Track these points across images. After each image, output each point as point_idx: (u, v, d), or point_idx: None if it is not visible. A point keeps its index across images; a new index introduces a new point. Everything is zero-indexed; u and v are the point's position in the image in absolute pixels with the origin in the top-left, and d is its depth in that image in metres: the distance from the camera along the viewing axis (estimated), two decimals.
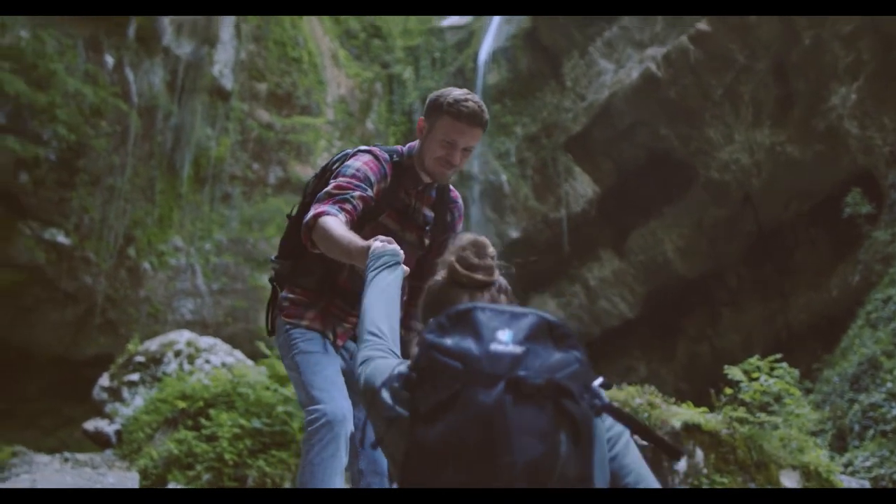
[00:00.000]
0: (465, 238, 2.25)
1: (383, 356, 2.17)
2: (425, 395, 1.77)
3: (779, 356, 7.86)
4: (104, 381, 10.55)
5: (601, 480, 1.89)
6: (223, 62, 17.12)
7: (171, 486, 7.84)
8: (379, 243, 2.83)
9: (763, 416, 7.35)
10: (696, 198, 17.16)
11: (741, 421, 7.31)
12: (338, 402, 3.37)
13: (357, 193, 3.38)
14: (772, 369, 7.70)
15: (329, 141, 18.63)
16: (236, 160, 17.35)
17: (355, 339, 3.39)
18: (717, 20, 15.51)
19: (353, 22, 20.71)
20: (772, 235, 17.03)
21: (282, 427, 8.60)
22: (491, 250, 2.24)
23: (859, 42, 14.90)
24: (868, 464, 9.79)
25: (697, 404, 7.94)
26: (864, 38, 14.84)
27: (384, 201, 3.54)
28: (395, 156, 3.62)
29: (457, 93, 3.44)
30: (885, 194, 14.91)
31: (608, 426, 2.03)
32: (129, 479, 7.50)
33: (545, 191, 18.01)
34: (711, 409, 7.94)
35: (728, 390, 7.72)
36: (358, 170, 3.46)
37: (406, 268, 2.73)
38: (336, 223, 3.19)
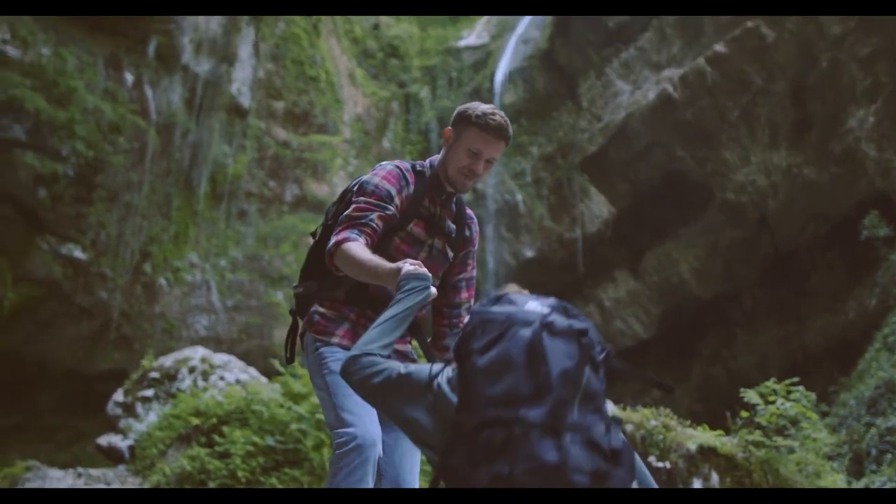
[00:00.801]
0: (510, 287, 2.86)
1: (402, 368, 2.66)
2: (477, 339, 2.37)
3: (795, 379, 7.81)
4: (118, 396, 10.56)
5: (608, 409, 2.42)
6: (241, 80, 17.23)
7: None
8: (410, 266, 3.01)
9: (779, 440, 7.30)
10: (711, 219, 17.11)
11: (757, 444, 7.26)
12: (368, 427, 3.33)
13: (376, 214, 3.43)
14: (788, 392, 7.66)
15: (345, 159, 18.71)
16: (253, 177, 17.43)
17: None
18: (734, 42, 15.51)
19: (370, 41, 20.84)
20: (788, 257, 16.93)
21: (295, 445, 8.59)
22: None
23: (877, 65, 14.86)
24: (886, 489, 9.68)
25: (712, 426, 7.90)
26: (881, 60, 14.81)
27: (410, 210, 3.57)
28: (417, 166, 3.69)
29: (484, 107, 3.54)
30: None
31: None
32: None
33: (560, 211, 18.00)
34: (727, 432, 7.89)
35: (744, 413, 7.67)
36: (377, 186, 3.51)
37: (434, 290, 3.01)
38: (358, 248, 3.30)
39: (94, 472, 8.83)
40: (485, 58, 19.91)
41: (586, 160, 17.73)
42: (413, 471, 3.67)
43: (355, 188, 3.62)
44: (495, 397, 2.27)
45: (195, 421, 9.07)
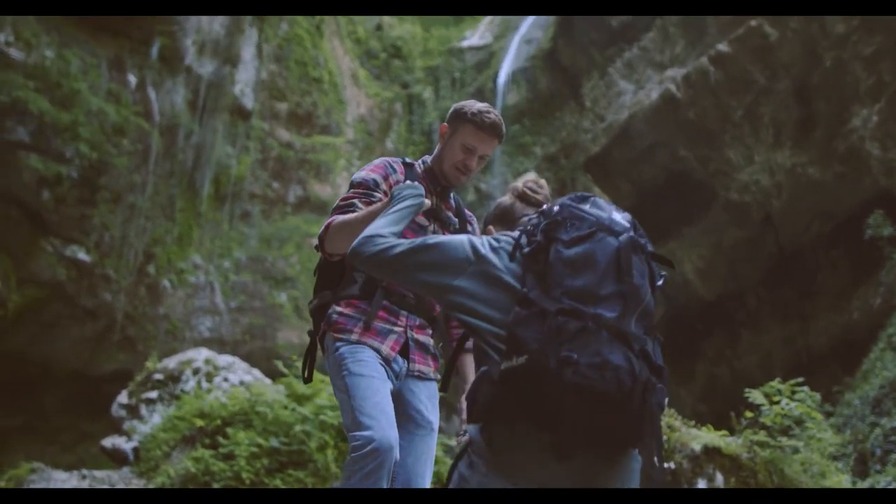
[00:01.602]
0: (528, 175, 3.28)
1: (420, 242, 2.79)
2: (566, 230, 2.57)
3: (800, 380, 7.79)
4: (122, 398, 10.57)
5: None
6: (244, 82, 17.25)
7: None
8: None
9: (784, 440, 7.28)
10: (715, 219, 17.08)
11: (762, 445, 7.24)
12: (386, 431, 3.32)
13: (361, 201, 3.56)
14: (793, 393, 7.64)
15: (348, 160, 18.72)
16: (256, 179, 17.45)
17: (403, 350, 3.59)
18: (737, 42, 15.49)
19: (373, 42, 20.85)
20: (792, 257, 16.90)
21: (299, 446, 8.59)
22: (545, 184, 3.18)
23: (881, 64, 14.83)
24: (890, 489, 9.66)
25: (716, 426, 7.87)
26: (885, 59, 14.77)
27: None
28: (406, 160, 3.84)
29: (479, 105, 3.68)
30: None
31: None
32: None
33: None
34: (731, 432, 7.87)
35: (749, 413, 7.65)
36: (363, 179, 3.65)
37: (427, 202, 3.22)
38: (342, 217, 3.47)
39: (98, 473, 8.85)
40: (488, 58, 19.91)
41: (590, 160, 17.72)
42: (426, 475, 3.67)
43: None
44: (574, 289, 2.45)
45: (199, 422, 9.08)
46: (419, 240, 2.76)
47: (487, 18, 20.89)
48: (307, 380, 3.85)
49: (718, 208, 16.98)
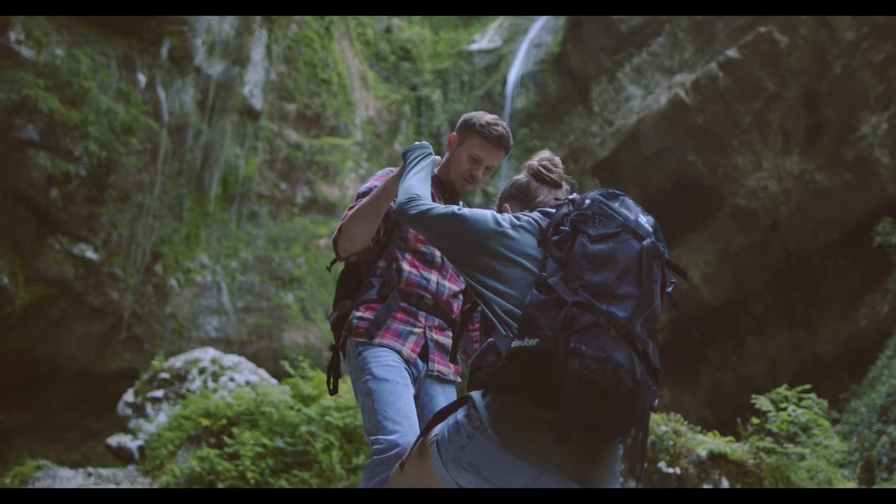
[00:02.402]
0: (543, 153, 3.36)
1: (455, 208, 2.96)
2: (594, 225, 2.70)
3: (807, 386, 7.78)
4: (128, 396, 10.60)
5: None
6: (253, 82, 17.29)
7: None
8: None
9: (790, 447, 7.26)
10: (722, 225, 17.05)
11: (768, 451, 7.22)
12: (409, 437, 3.33)
13: None
14: (800, 399, 7.62)
15: (357, 162, 18.73)
16: (264, 179, 17.48)
17: (423, 353, 3.64)
18: (746, 48, 15.47)
19: (382, 44, 20.87)
20: (799, 264, 16.87)
21: (304, 447, 8.60)
22: (560, 162, 3.33)
23: (890, 71, 14.80)
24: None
25: (721, 432, 7.86)
26: (895, 67, 14.75)
27: None
28: None
29: (488, 117, 3.77)
30: None
31: None
32: None
33: None
34: (737, 438, 7.85)
35: (755, 420, 7.64)
36: (368, 188, 3.72)
37: (438, 157, 3.45)
38: (350, 210, 3.62)
39: (103, 471, 8.86)
40: (496, 61, 19.92)
41: (597, 165, 17.70)
42: None
43: None
44: (592, 284, 2.59)
45: (205, 422, 9.11)
46: (451, 209, 2.93)
47: (496, 22, 20.90)
48: (333, 391, 3.84)
49: (726, 214, 16.94)
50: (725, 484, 7.11)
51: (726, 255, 17.28)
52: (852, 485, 7.59)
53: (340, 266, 3.91)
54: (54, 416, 15.94)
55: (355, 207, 3.60)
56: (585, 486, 2.63)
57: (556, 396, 2.47)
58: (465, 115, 3.83)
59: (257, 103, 17.37)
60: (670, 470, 7.39)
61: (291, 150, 17.89)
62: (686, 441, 7.48)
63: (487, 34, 20.91)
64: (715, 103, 16.07)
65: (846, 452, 9.13)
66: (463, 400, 2.79)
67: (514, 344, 2.55)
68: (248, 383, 10.36)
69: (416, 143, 3.47)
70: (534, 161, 3.33)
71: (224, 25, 16.63)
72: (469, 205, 4.05)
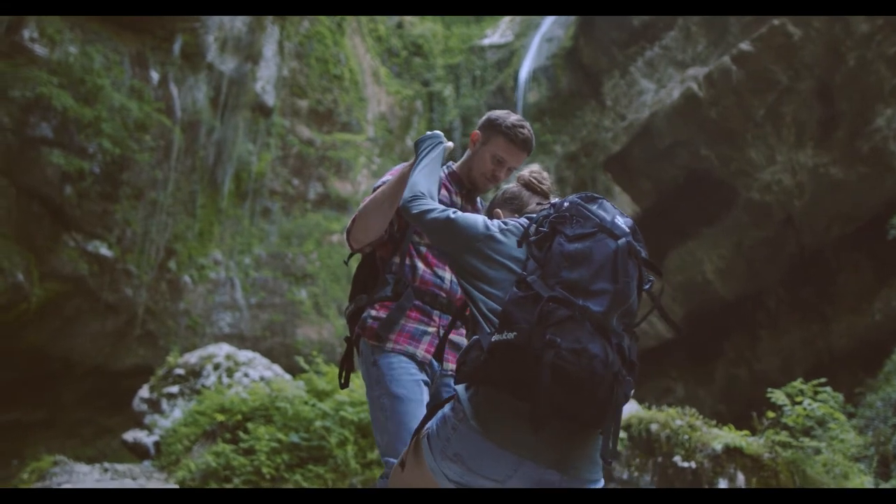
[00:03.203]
0: (533, 166, 3.54)
1: (453, 211, 3.09)
2: (571, 226, 2.84)
3: (823, 380, 7.75)
4: (144, 392, 10.64)
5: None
6: (266, 79, 17.31)
7: None
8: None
9: (806, 441, 7.24)
10: (736, 219, 16.99)
11: (784, 445, 7.21)
12: None
13: None
14: (815, 393, 7.60)
15: (369, 158, 18.74)
16: (276, 175, 17.50)
17: (437, 353, 3.64)
18: (759, 41, 15.40)
19: (394, 40, 20.86)
20: (813, 258, 16.79)
21: (319, 442, 8.62)
22: (548, 176, 3.53)
23: None
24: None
25: (736, 427, 7.85)
26: None
27: None
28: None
29: (514, 118, 3.78)
30: None
31: None
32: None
33: None
34: (753, 432, 7.84)
35: (770, 414, 7.62)
36: (381, 183, 3.73)
37: (450, 144, 3.51)
38: (363, 203, 3.66)
39: (119, 467, 8.92)
40: (508, 56, 19.89)
41: (610, 159, 17.66)
42: None
43: None
44: (568, 281, 2.74)
45: (220, 417, 9.14)
46: (447, 213, 3.05)
47: (508, 17, 20.86)
48: (344, 385, 3.85)
49: (739, 208, 16.88)
50: (741, 478, 7.11)
51: (740, 250, 17.22)
52: (868, 479, 7.57)
53: (356, 260, 3.92)
54: (69, 412, 16.03)
55: (361, 208, 3.63)
56: (564, 473, 2.74)
57: (533, 386, 2.59)
58: (491, 114, 3.84)
59: (269, 99, 17.39)
60: (686, 464, 7.38)
61: (304, 146, 17.91)
62: (701, 435, 7.48)
63: (499, 29, 20.88)
64: (728, 97, 16.00)
65: (862, 447, 9.09)
66: (452, 396, 2.91)
67: (494, 338, 2.70)
68: (262, 379, 10.40)
69: (428, 132, 3.55)
70: (525, 172, 3.51)
71: (236, 22, 16.65)
72: (484, 199, 4.08)
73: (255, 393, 9.49)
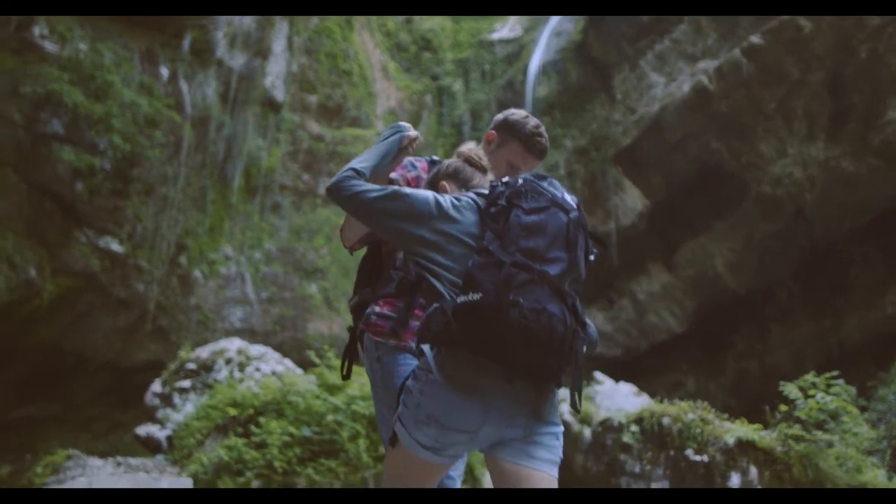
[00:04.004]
0: (469, 144, 3.72)
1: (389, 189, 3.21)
2: (526, 200, 3.09)
3: (835, 373, 7.73)
4: (156, 387, 10.68)
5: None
6: (275, 74, 17.31)
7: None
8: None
9: (819, 434, 7.23)
10: (747, 212, 16.94)
11: (796, 438, 7.19)
12: None
13: None
14: (828, 386, 7.58)
15: None
16: (286, 171, 17.52)
17: None
18: (770, 34, 15.34)
19: (403, 35, 20.85)
20: (825, 251, 16.74)
21: (331, 436, 8.64)
22: (483, 155, 3.68)
23: None
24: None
25: (748, 421, 7.83)
26: None
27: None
28: (433, 158, 3.97)
29: (531, 124, 3.85)
30: None
31: None
32: (182, 483, 7.58)
33: (594, 204, 17.92)
34: (764, 425, 7.83)
35: (783, 407, 7.60)
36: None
37: (413, 133, 3.66)
38: None
39: (132, 461, 8.94)
40: (518, 50, 19.85)
41: (620, 153, 17.62)
42: (458, 467, 3.68)
43: None
44: (526, 249, 2.99)
45: (232, 411, 9.16)
46: (391, 188, 3.17)
47: None
48: (346, 377, 3.86)
49: (750, 201, 16.83)
50: (754, 471, 7.10)
51: (750, 243, 17.18)
52: (882, 472, 7.55)
53: (363, 251, 3.94)
54: (82, 407, 16.09)
55: None
56: (529, 418, 3.02)
57: (498, 343, 2.83)
58: (509, 116, 3.88)
59: (279, 95, 17.40)
60: (698, 458, 7.38)
61: (313, 141, 17.92)
62: (714, 429, 7.47)
63: (508, 23, 20.84)
64: (738, 90, 15.95)
65: (874, 440, 9.07)
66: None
67: (460, 300, 2.93)
68: (274, 373, 10.42)
69: (391, 125, 3.69)
70: (464, 149, 3.69)
71: (245, 18, 16.66)
72: None
73: (267, 387, 9.52)
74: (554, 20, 19.49)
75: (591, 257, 3.23)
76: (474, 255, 3.01)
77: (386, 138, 3.59)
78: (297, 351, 14.99)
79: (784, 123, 15.96)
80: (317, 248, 17.22)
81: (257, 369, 10.50)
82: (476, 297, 2.89)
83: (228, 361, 10.62)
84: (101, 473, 7.97)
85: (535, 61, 18.96)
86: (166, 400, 10.36)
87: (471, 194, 3.28)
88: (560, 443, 3.13)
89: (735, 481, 7.08)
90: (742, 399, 16.75)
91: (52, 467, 8.45)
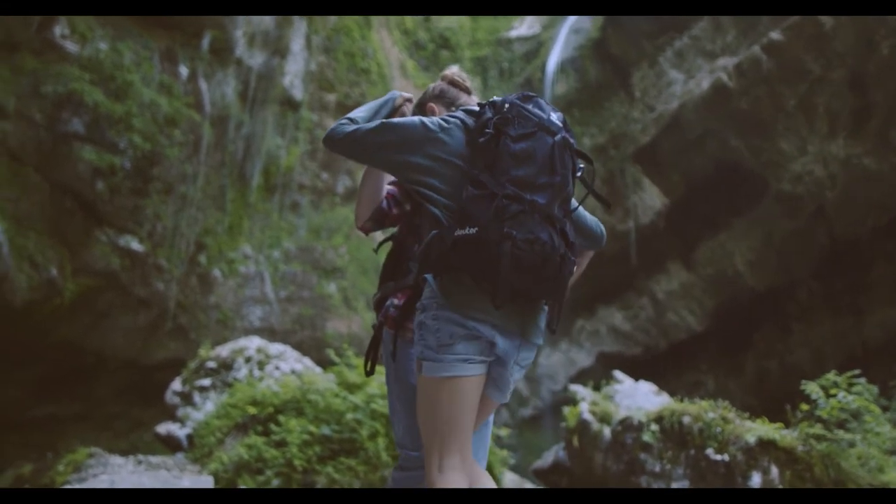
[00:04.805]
0: (452, 67, 3.92)
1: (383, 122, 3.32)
2: (513, 127, 3.18)
3: (857, 372, 7.67)
4: (176, 385, 10.72)
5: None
6: (294, 73, 17.35)
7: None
8: None
9: (840, 434, 7.17)
10: (767, 210, 16.85)
11: (818, 438, 7.14)
12: None
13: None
14: (850, 385, 7.52)
15: None
16: (305, 169, 17.56)
17: None
18: (790, 30, 15.24)
19: (421, 33, 20.85)
20: (846, 249, 16.61)
21: (350, 434, 8.66)
22: (467, 76, 3.90)
23: None
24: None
25: (768, 420, 7.78)
26: None
27: None
28: None
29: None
30: None
31: None
32: (203, 482, 7.61)
33: (613, 202, 17.87)
34: (785, 424, 7.78)
35: (804, 406, 7.55)
36: None
37: (401, 97, 3.68)
38: None
39: (153, 459, 8.98)
40: (536, 48, 19.81)
41: (639, 151, 17.57)
42: (482, 456, 3.68)
43: None
44: (517, 178, 3.12)
45: (252, 410, 9.19)
46: (379, 121, 3.28)
47: None
48: (369, 373, 3.88)
49: (770, 199, 16.74)
50: (775, 471, 7.05)
51: (770, 241, 17.08)
52: None
53: (385, 251, 3.94)
54: (103, 405, 16.19)
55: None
56: (521, 338, 3.25)
57: (494, 273, 3.00)
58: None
59: (298, 94, 17.44)
60: (718, 457, 7.34)
61: None
62: (734, 428, 7.43)
63: (526, 21, 20.81)
64: (758, 87, 15.86)
65: None
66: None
67: (457, 233, 3.07)
68: (293, 371, 10.44)
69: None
70: (447, 72, 3.89)
71: (264, 18, 16.70)
72: None
73: (287, 386, 9.54)
74: (572, 18, 19.44)
75: (579, 174, 3.36)
76: (468, 185, 3.14)
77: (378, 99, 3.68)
78: (315, 350, 15.02)
79: (805, 121, 15.85)
80: (335, 247, 17.25)
81: (277, 368, 10.53)
82: (472, 231, 3.04)
83: (248, 360, 10.65)
84: (122, 471, 8.01)
85: (554, 59, 18.93)
86: (186, 398, 10.40)
87: (459, 113, 3.40)
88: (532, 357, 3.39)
89: (756, 481, 7.04)
90: (762, 398, 16.66)
91: (73, 465, 8.50)
